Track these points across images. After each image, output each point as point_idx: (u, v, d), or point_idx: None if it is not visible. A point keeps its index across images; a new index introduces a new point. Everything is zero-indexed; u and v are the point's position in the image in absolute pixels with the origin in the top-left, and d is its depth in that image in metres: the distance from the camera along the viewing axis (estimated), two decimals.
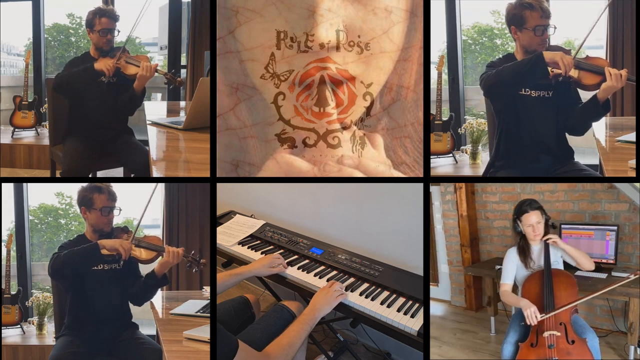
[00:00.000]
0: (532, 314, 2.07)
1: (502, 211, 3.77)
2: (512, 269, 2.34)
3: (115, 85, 2.96)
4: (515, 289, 2.37)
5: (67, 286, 2.43)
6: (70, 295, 2.42)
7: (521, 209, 2.29)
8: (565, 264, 2.33)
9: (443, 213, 4.11)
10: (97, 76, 2.89)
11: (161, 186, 4.12)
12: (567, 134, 2.53)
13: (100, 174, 3.34)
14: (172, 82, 2.89)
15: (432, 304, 4.14)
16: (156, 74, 2.85)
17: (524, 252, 2.31)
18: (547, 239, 2.26)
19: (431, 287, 4.28)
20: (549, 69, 2.29)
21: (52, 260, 2.30)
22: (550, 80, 2.33)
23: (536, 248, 2.31)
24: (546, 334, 2.07)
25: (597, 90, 2.33)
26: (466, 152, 4.12)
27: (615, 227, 3.00)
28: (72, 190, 4.68)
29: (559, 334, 2.06)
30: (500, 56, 2.56)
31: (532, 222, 2.26)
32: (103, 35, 2.93)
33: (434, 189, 4.16)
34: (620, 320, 3.09)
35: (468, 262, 3.85)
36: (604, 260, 2.98)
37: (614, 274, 2.85)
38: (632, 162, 2.28)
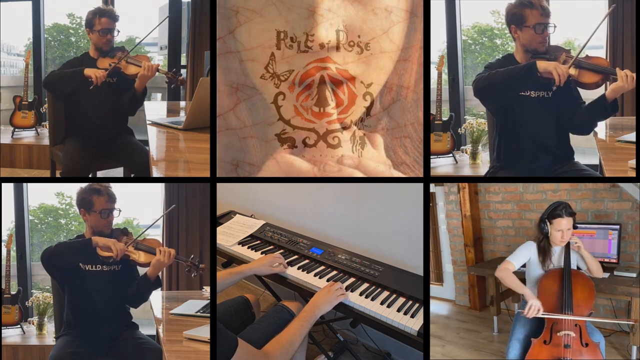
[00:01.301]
0: (534, 309, 2.06)
1: (505, 211, 3.77)
2: (525, 256, 2.30)
3: (115, 86, 2.96)
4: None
5: (60, 282, 2.45)
6: (66, 294, 2.42)
7: (555, 212, 2.21)
8: None
9: (447, 213, 4.11)
10: (86, 81, 2.83)
11: (161, 186, 4.12)
12: (570, 134, 2.53)
13: (100, 174, 3.34)
14: (173, 81, 2.88)
15: (437, 303, 4.15)
16: (157, 73, 2.85)
17: (545, 252, 2.26)
18: (573, 244, 2.23)
19: (436, 286, 4.30)
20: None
21: (44, 250, 2.34)
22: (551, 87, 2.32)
23: (557, 249, 2.27)
24: (561, 333, 2.06)
25: (598, 89, 2.33)
26: (466, 152, 4.12)
27: (618, 226, 3.00)
28: (72, 190, 4.66)
29: (574, 335, 2.06)
30: (500, 57, 2.56)
31: (563, 227, 2.19)
32: (103, 35, 2.93)
33: (437, 189, 4.16)
34: (624, 320, 3.08)
35: (472, 261, 3.85)
36: (606, 260, 2.98)
37: (616, 273, 2.85)
38: (632, 162, 2.28)
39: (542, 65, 2.28)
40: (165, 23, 5.14)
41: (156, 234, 4.20)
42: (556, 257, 2.27)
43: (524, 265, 2.36)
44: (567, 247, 2.23)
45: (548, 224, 2.24)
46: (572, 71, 2.31)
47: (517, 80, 2.34)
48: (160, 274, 2.44)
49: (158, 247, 2.38)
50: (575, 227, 2.26)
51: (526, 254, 2.30)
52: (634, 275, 2.78)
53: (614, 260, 2.97)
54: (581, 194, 3.29)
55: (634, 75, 2.22)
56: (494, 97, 2.47)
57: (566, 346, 2.04)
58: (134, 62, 2.87)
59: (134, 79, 2.85)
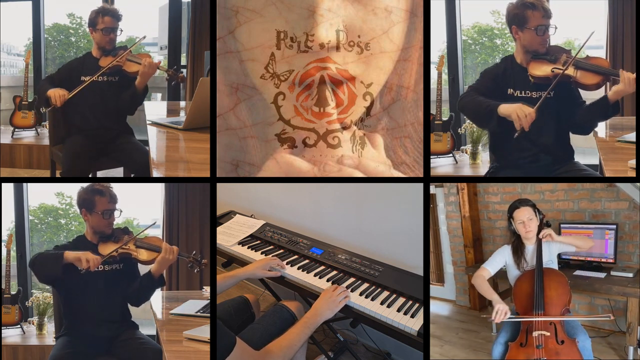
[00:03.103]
0: (501, 313, 2.06)
1: (504, 211, 3.74)
2: (499, 261, 2.35)
3: (116, 84, 2.96)
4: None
5: (55, 286, 2.45)
6: (65, 295, 2.41)
7: (513, 206, 2.32)
8: (563, 262, 2.33)
9: (447, 214, 4.11)
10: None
11: (161, 186, 4.12)
12: (570, 133, 2.53)
13: (100, 174, 3.34)
14: (174, 78, 2.89)
15: (438, 303, 4.16)
16: (158, 70, 2.86)
17: (518, 252, 2.31)
18: (542, 235, 2.26)
19: (437, 287, 4.31)
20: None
21: (30, 260, 2.32)
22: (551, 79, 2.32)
23: (530, 248, 2.31)
24: (535, 333, 2.07)
25: (599, 90, 2.33)
26: (466, 152, 4.12)
27: (614, 226, 2.99)
28: (72, 190, 4.69)
29: (548, 334, 2.06)
30: (498, 60, 2.57)
31: (523, 218, 2.27)
32: (106, 34, 2.94)
33: (437, 191, 4.16)
34: (622, 320, 3.08)
35: (471, 262, 3.86)
36: (603, 260, 2.97)
37: (613, 273, 2.85)
38: (632, 162, 2.28)
39: (503, 109, 2.30)
40: (165, 23, 5.14)
41: (156, 234, 4.20)
42: (530, 257, 2.30)
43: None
44: (539, 245, 2.25)
45: (512, 220, 2.32)
46: (572, 72, 2.32)
47: (480, 117, 2.42)
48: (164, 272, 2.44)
49: (161, 244, 2.37)
50: (547, 225, 2.32)
51: (500, 259, 2.35)
52: (631, 275, 2.78)
53: (611, 260, 2.96)
54: (579, 194, 3.29)
55: (634, 76, 2.22)
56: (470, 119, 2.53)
57: (537, 346, 2.05)
58: (134, 60, 2.88)
59: (135, 76, 2.86)
